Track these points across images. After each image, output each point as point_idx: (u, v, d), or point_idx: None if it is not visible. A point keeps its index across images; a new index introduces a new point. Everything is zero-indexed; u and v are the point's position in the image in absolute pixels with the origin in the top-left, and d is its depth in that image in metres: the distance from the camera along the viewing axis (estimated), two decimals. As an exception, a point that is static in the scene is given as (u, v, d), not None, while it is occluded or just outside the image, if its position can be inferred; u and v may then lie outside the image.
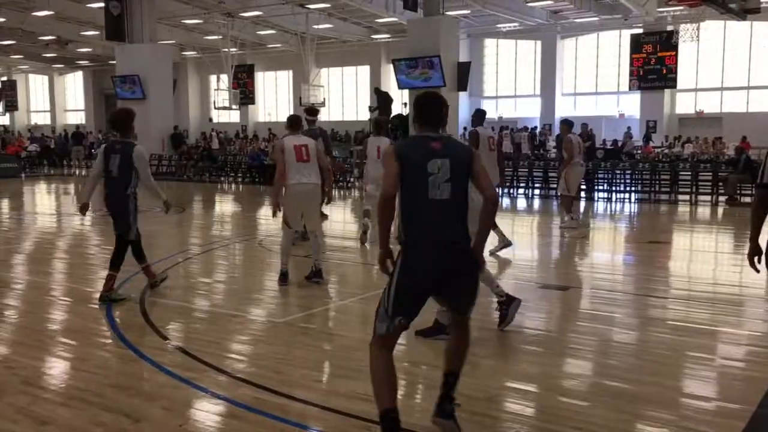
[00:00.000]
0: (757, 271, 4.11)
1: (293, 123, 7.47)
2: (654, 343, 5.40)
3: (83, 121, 46.47)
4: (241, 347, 5.41)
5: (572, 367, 5.03)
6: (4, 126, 44.80)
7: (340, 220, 14.32)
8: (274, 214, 7.34)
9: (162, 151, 25.42)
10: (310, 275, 7.47)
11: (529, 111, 36.71)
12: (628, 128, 31.01)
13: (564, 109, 35.52)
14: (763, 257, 4.08)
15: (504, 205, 16.30)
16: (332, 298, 7.24)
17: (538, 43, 36.27)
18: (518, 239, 11.68)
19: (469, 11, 30.48)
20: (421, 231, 3.45)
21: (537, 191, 18.25)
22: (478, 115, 9.51)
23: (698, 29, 26.41)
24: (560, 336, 5.70)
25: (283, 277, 7.35)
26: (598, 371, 4.85)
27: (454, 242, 3.47)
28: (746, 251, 4.18)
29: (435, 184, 3.42)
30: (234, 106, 35.51)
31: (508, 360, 5.04)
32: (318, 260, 7.46)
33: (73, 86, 50.27)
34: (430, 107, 3.65)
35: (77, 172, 28.20)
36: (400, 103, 23.85)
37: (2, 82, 48.34)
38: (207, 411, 4.10)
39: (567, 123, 11.75)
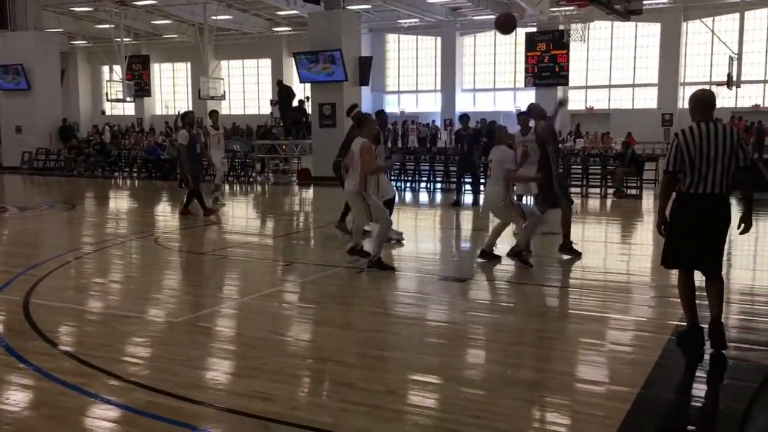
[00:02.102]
0: (663, 236, 5.05)
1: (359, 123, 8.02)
2: (548, 330, 5.60)
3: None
4: (135, 349, 5.19)
5: (471, 357, 5.14)
6: None
7: (242, 215, 14.06)
8: None
9: (50, 145, 24.12)
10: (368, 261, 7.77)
11: (431, 106, 37.34)
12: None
13: (463, 104, 36.33)
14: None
15: (407, 199, 16.50)
16: (232, 295, 7.09)
17: (438, 39, 36.93)
18: (421, 233, 11.85)
19: (370, 6, 30.65)
20: None
21: (439, 185, 18.55)
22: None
23: (587, 29, 27.61)
24: (460, 327, 5.81)
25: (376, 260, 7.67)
26: (495, 360, 4.97)
27: None
28: (655, 222, 5.14)
29: None
30: (128, 99, 34.15)
31: (410, 352, 5.08)
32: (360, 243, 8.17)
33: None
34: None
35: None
36: (303, 96, 23.64)
37: None
38: (96, 417, 3.91)
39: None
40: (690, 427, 4.06)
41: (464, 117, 14.84)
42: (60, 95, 25.79)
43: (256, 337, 5.43)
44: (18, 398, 4.24)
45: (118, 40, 32.23)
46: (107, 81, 35.57)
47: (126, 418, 3.88)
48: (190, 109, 32.46)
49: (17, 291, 6.74)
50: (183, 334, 5.51)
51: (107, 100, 35.27)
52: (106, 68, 39.30)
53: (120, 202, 16.71)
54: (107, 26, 33.21)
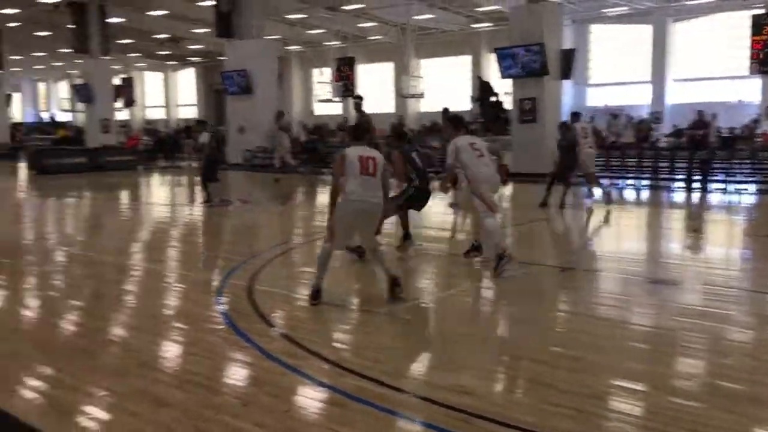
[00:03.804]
0: None
1: (358, 133, 6.69)
2: (774, 343, 5.08)
3: (195, 116, 48.68)
4: (342, 336, 5.51)
5: (683, 365, 4.81)
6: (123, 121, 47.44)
7: (438, 211, 14.29)
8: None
9: (268, 144, 26.18)
10: (391, 292, 6.29)
11: (638, 98, 35.25)
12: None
13: (675, 95, 33.94)
14: None
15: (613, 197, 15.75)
16: (430, 290, 7.24)
17: (648, 27, 34.75)
18: (626, 232, 11.28)
19: (574, -4, 29.60)
20: None
21: (648, 182, 17.53)
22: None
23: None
24: (670, 333, 5.46)
25: (316, 294, 6.24)
26: (711, 371, 4.61)
27: None
28: None
29: None
30: (336, 99, 36.06)
31: (613, 355, 4.87)
32: (390, 270, 6.38)
33: (185, 82, 52.66)
34: None
35: (187, 164, 29.48)
36: (503, 93, 23.49)
37: (122, 79, 51.24)
38: (311, 398, 4.21)
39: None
40: None
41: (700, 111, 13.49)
42: (276, 97, 27.94)
43: (458, 333, 5.51)
44: (243, 375, 4.69)
45: (328, 43, 34.17)
46: (317, 83, 37.85)
47: (337, 401, 4.13)
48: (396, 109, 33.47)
49: (243, 277, 7.42)
50: (387, 324, 5.74)
51: (317, 100, 37.54)
52: (316, 71, 41.78)
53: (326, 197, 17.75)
54: (318, 31, 35.33)
